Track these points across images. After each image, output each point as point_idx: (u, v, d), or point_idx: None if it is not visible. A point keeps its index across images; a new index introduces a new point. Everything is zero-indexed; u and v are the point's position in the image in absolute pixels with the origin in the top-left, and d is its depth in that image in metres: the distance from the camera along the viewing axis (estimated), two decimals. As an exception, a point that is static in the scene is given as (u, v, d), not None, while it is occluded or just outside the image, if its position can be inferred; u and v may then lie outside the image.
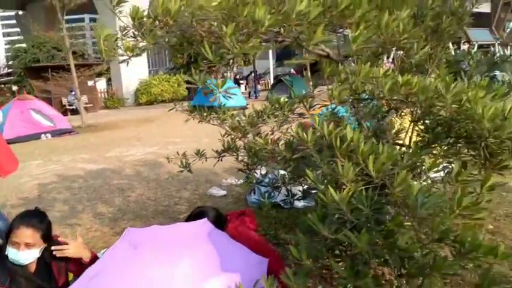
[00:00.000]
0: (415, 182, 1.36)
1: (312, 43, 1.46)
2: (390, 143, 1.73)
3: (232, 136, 2.31)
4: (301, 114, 1.90)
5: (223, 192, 3.93)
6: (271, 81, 23.02)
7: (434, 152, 2.14)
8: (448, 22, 2.13)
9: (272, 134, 2.01)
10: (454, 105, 1.52)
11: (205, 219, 1.73)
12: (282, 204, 3.07)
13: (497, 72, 2.93)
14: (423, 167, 1.55)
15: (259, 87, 22.31)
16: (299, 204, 3.01)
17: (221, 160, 2.36)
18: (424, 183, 1.56)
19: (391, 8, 2.00)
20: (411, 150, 1.62)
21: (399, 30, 1.60)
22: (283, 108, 1.86)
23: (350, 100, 2.01)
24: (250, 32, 1.60)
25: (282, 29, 1.68)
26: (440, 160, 1.60)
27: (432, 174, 1.75)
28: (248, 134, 2.16)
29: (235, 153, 2.23)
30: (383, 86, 1.64)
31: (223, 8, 1.66)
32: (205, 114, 2.45)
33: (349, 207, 1.34)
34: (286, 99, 1.89)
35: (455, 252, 1.35)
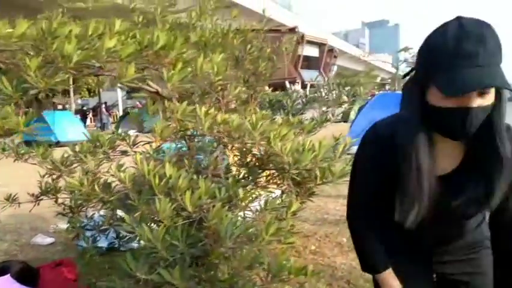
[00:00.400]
0: (229, 214, 1.45)
1: (125, 80, 1.45)
2: (209, 177, 1.80)
3: (54, 176, 2.11)
4: (124, 152, 1.84)
5: (51, 240, 3.50)
6: (120, 113, 22.10)
7: (264, 182, 2.33)
8: (264, 66, 2.38)
9: (95, 174, 1.90)
10: (262, 142, 1.69)
11: (7, 276, 1.50)
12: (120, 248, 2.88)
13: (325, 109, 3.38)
14: (238, 199, 1.66)
15: (110, 119, 21.19)
16: (136, 245, 2.87)
17: (38, 204, 2.11)
18: (241, 213, 1.67)
19: (213, 50, 2.15)
20: (229, 183, 1.72)
21: (214, 72, 1.72)
22: (104, 146, 1.79)
23: (181, 136, 2.06)
24: (59, 66, 1.51)
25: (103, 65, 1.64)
26: (253, 191, 1.73)
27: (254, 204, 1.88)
28: (72, 174, 1.99)
29: (53, 196, 2.02)
30: (203, 124, 1.72)
31: (28, 39, 1.53)
32: (22, 152, 2.18)
33: (164, 244, 1.33)
34: (108, 136, 1.82)
35: (265, 277, 1.46)
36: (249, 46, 2.34)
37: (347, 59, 53.95)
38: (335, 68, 42.97)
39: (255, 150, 1.86)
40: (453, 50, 0.87)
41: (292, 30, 30.69)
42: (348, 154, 2.02)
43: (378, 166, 1.08)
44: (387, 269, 1.18)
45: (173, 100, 2.00)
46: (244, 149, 1.89)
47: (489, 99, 0.92)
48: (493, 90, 0.92)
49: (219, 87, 1.89)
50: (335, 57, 41.14)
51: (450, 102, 0.91)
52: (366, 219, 1.20)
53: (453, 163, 1.04)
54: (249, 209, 1.78)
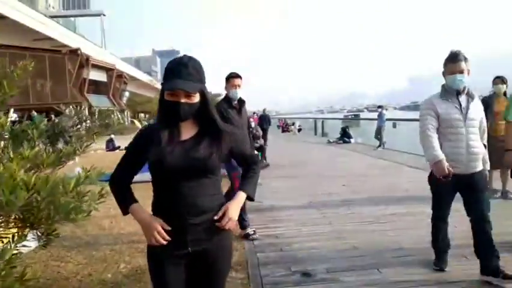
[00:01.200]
0: None
1: None
2: None
3: None
4: None
5: None
6: None
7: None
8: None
9: None
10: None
11: None
12: None
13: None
14: None
15: None
16: None
17: None
18: None
19: None
20: None
21: None
22: None
23: None
24: None
25: None
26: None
27: None
28: None
29: None
30: None
31: None
32: None
33: None
34: None
35: None
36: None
37: (139, 85, 53.65)
38: (127, 93, 41.95)
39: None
40: (170, 70, 1.56)
41: (74, 52, 28.49)
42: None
43: (138, 147, 1.65)
44: (135, 203, 1.64)
45: None
46: None
47: (193, 99, 1.56)
48: (197, 94, 1.56)
49: None
50: (125, 83, 40.25)
51: (171, 97, 1.54)
52: (120, 180, 1.69)
53: (192, 133, 1.63)
54: None
